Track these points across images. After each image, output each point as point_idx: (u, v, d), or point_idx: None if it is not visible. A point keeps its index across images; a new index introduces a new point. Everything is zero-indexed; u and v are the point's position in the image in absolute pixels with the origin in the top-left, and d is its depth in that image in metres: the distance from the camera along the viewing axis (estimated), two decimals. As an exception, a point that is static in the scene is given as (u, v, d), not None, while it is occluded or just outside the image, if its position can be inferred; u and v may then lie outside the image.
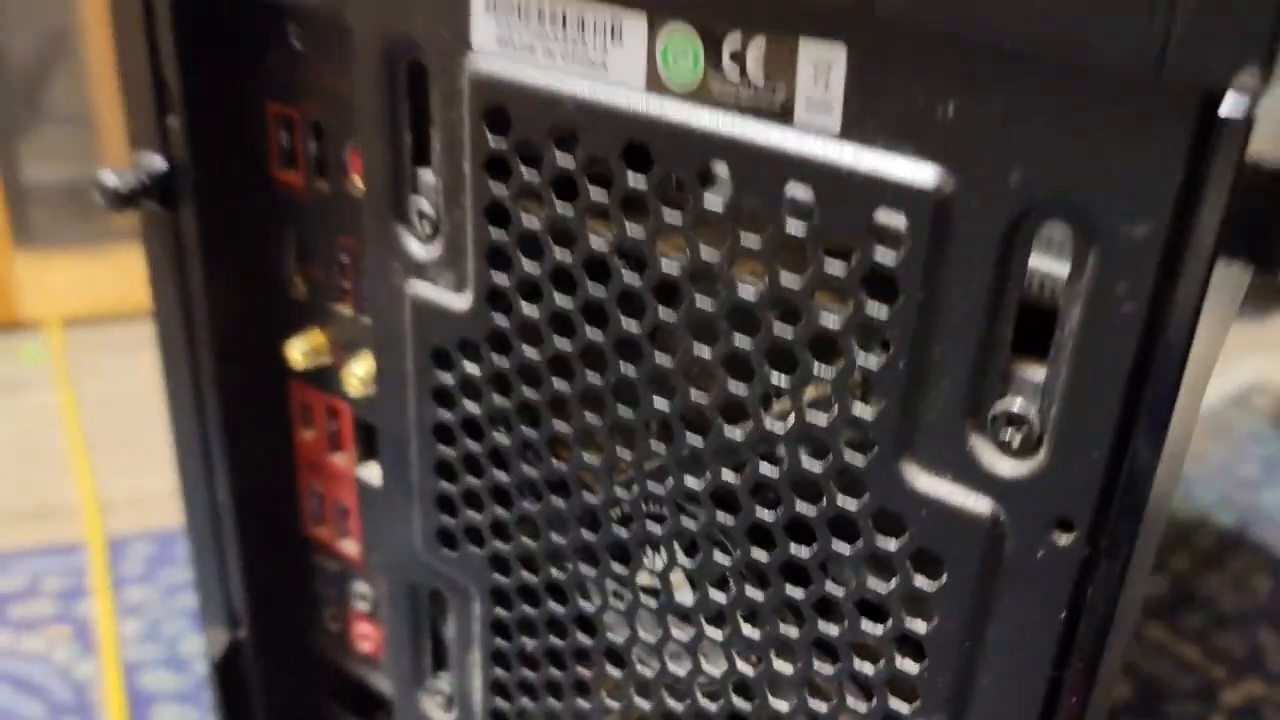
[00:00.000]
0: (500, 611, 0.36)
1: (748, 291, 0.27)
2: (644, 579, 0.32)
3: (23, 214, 1.37)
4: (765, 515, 0.29)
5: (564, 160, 0.29)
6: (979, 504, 0.26)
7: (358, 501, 0.42)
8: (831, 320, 0.26)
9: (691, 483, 0.30)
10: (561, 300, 0.30)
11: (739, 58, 0.25)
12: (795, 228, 0.26)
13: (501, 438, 0.33)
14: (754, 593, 0.30)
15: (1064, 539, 0.25)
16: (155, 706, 0.94)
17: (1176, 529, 1.21)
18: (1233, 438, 1.35)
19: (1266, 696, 1.01)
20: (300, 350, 0.41)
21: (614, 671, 0.34)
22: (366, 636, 0.45)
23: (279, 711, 0.47)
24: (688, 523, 0.30)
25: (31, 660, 0.98)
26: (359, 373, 0.39)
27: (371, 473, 0.41)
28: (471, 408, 0.33)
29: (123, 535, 1.11)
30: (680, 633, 0.32)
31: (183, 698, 0.95)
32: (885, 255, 0.25)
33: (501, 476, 0.34)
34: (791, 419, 0.27)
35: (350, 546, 0.44)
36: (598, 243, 0.29)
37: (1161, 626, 1.08)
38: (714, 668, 0.31)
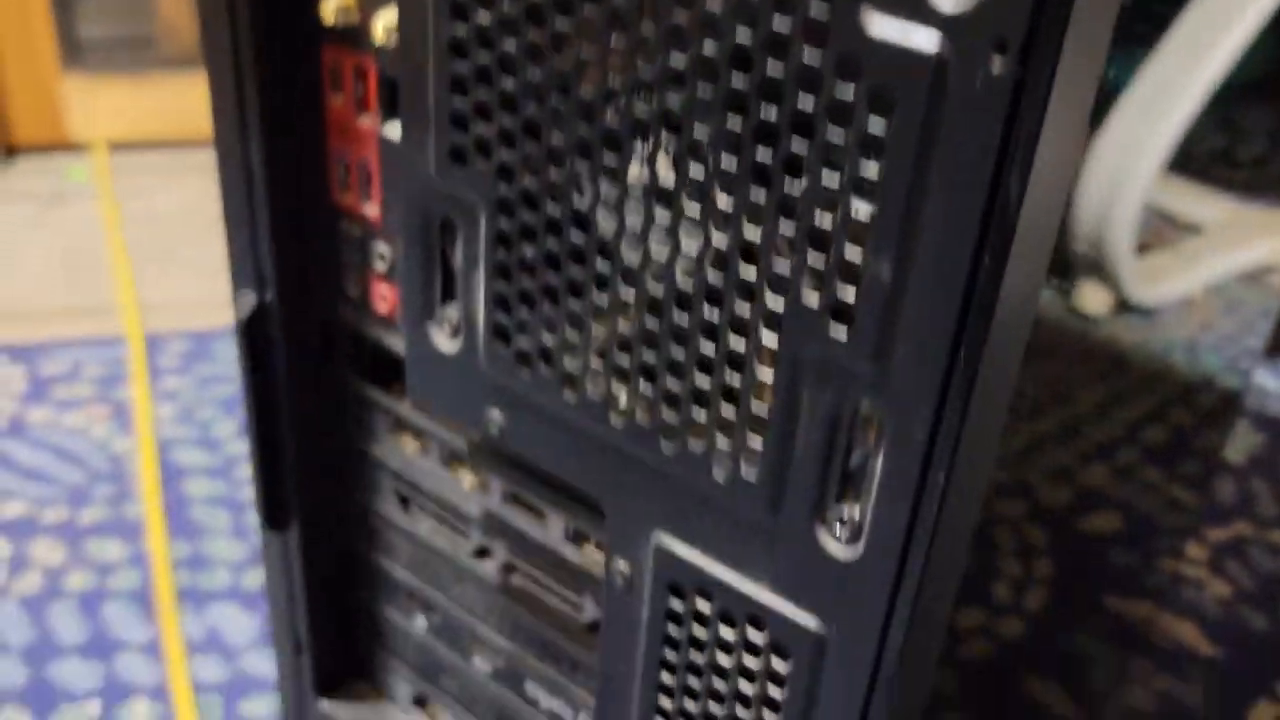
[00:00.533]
0: (504, 222, 0.39)
1: None
2: (632, 175, 0.36)
3: (73, 38, 1.40)
4: (740, 80, 0.32)
5: None
6: (927, 40, 0.29)
7: (380, 158, 0.46)
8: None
9: (676, 59, 0.33)
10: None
11: None
12: None
13: (510, 43, 0.36)
14: (729, 160, 0.33)
15: (999, 64, 0.28)
16: (187, 479, 0.99)
17: (1180, 387, 1.23)
18: (1244, 312, 1.37)
19: (1253, 537, 1.04)
20: (332, 6, 0.44)
21: (604, 266, 0.37)
22: (384, 298, 0.49)
23: (301, 374, 0.51)
24: (673, 99, 0.33)
25: (72, 434, 1.03)
26: (384, 22, 0.43)
27: (394, 129, 0.44)
28: (484, 18, 0.37)
29: (161, 333, 1.16)
30: (663, 214, 0.35)
31: (213, 472, 1.00)
32: None
33: (509, 84, 0.37)
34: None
35: (372, 209, 0.47)
36: None
37: (1157, 470, 1.11)
38: (691, 243, 0.35)
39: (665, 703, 0.42)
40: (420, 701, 0.57)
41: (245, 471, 0.98)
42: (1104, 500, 1.07)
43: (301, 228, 0.48)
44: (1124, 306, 1.44)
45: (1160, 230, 1.54)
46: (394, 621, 0.55)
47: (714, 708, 0.41)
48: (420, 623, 0.54)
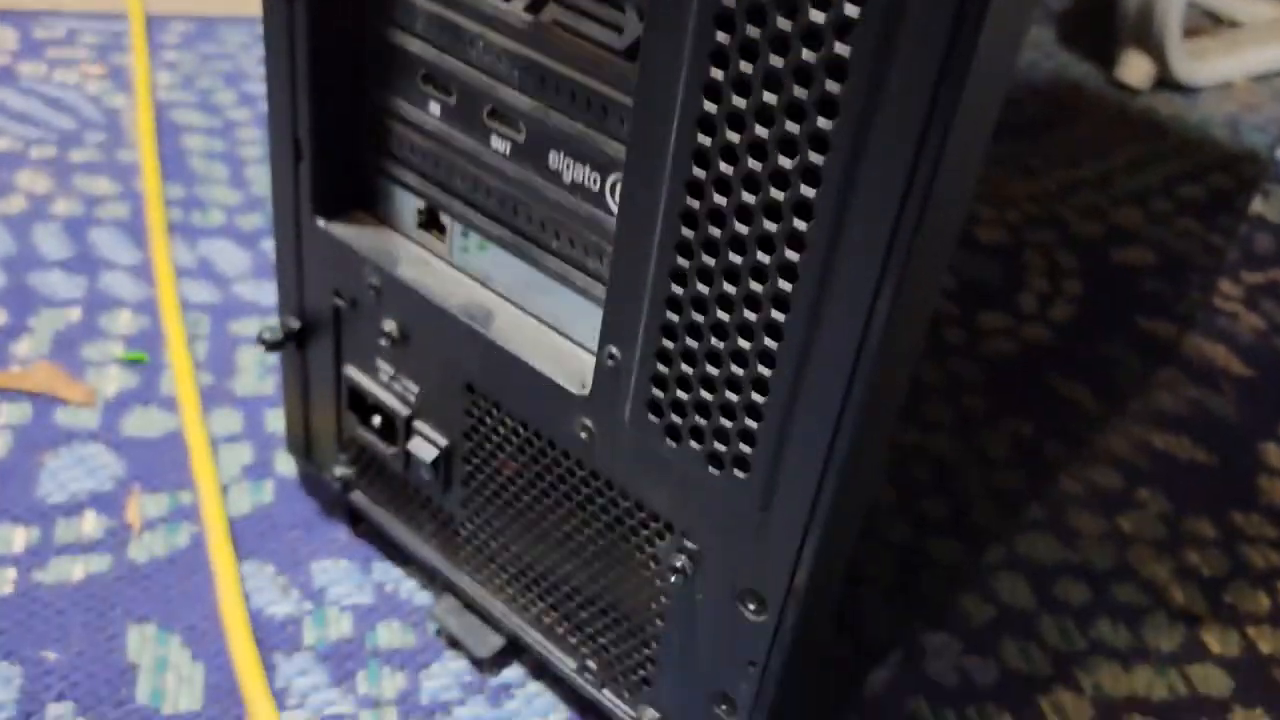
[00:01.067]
0: None
1: None
2: None
3: None
4: None
5: None
6: None
7: None
8: None
9: None
10: None
11: None
12: None
13: None
14: None
15: None
16: (184, 135, 0.95)
17: (1221, 156, 1.19)
18: (1289, 104, 1.32)
19: (1288, 287, 1.00)
20: None
21: None
22: None
23: None
24: None
25: (64, 87, 0.98)
26: None
27: None
28: None
29: (163, 14, 1.11)
30: None
31: (212, 132, 0.96)
32: None
33: None
34: None
35: None
36: None
37: (1192, 221, 1.07)
38: None
39: (710, 107, 0.37)
40: (427, 224, 0.53)
41: (247, 134, 0.94)
42: (1136, 238, 1.03)
43: None
44: (1164, 83, 1.39)
45: (1205, 27, 1.48)
46: (405, 115, 0.51)
47: (767, 100, 0.36)
48: (434, 110, 0.50)
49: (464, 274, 0.52)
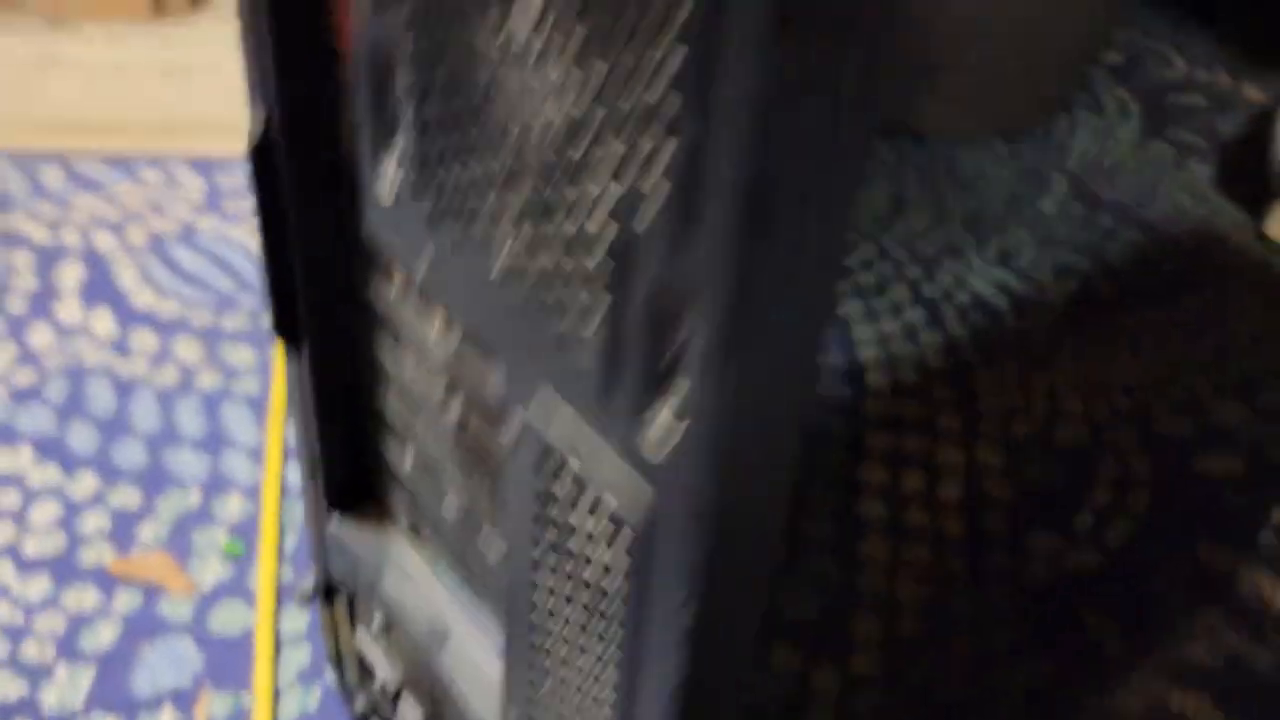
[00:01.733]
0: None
1: None
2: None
3: None
4: None
5: None
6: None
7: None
8: None
9: None
10: None
11: None
12: None
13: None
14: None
15: None
16: (321, 301, 1.04)
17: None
18: None
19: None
20: None
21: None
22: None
23: (308, 201, 0.54)
24: None
25: (231, 245, 1.10)
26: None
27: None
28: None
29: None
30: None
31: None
32: None
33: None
34: None
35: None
36: None
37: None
38: None
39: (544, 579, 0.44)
40: (416, 529, 0.62)
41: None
42: (1229, 441, 1.01)
43: (306, 64, 0.51)
44: (1319, 241, 1.30)
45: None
46: (390, 455, 0.59)
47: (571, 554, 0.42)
48: (409, 459, 0.58)
49: (439, 584, 0.60)
